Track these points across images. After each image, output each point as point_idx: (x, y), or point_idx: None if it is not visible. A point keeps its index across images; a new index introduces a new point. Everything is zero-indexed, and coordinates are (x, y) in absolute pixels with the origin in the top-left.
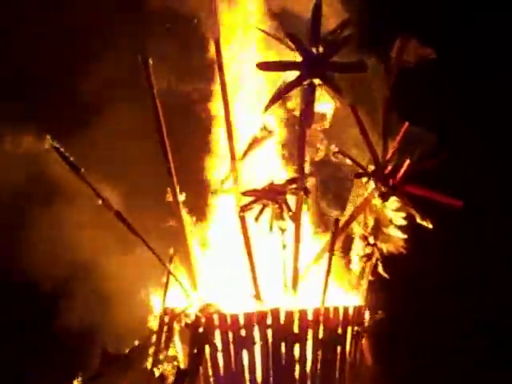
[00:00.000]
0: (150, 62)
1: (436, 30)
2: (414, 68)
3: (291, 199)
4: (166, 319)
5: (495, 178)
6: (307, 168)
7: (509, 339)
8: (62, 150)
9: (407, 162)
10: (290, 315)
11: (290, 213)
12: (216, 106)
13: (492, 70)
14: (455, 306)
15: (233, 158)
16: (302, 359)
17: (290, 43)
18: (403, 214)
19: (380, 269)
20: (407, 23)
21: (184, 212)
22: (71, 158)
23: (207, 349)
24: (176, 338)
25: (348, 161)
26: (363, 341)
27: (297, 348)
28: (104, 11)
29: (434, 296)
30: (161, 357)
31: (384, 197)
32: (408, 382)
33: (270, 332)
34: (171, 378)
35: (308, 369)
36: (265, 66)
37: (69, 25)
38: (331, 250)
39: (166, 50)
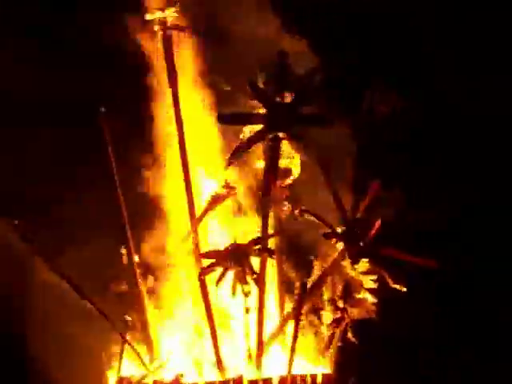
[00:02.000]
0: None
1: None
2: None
3: (255, 260)
4: None
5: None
6: (271, 227)
7: None
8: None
9: (378, 222)
10: None
11: (254, 275)
12: (174, 162)
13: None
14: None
15: (192, 216)
16: None
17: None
18: (374, 277)
19: (350, 334)
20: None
21: (139, 275)
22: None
23: None
24: None
25: (316, 220)
26: None
27: None
28: None
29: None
30: None
31: (354, 259)
32: None
33: None
34: None
35: None
36: (226, 119)
37: None
38: (298, 315)
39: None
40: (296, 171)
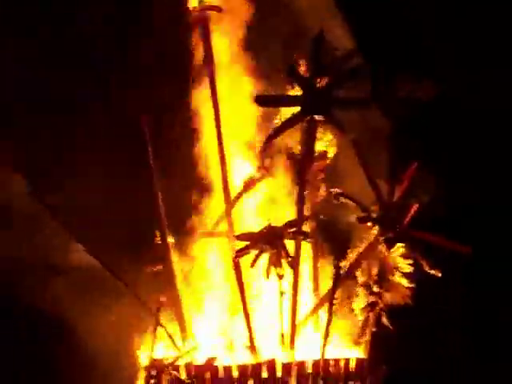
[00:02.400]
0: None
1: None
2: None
3: (290, 243)
4: (154, 372)
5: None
6: (307, 210)
7: None
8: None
9: (415, 206)
10: (287, 368)
11: (289, 258)
12: (210, 144)
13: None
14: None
15: (227, 198)
16: None
17: (290, 76)
18: (410, 261)
19: (384, 320)
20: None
21: (174, 256)
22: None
23: None
24: None
25: (351, 203)
26: None
27: None
28: None
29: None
30: None
31: (390, 243)
32: None
33: None
34: None
35: None
36: (263, 101)
37: None
38: (332, 299)
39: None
40: (332, 154)
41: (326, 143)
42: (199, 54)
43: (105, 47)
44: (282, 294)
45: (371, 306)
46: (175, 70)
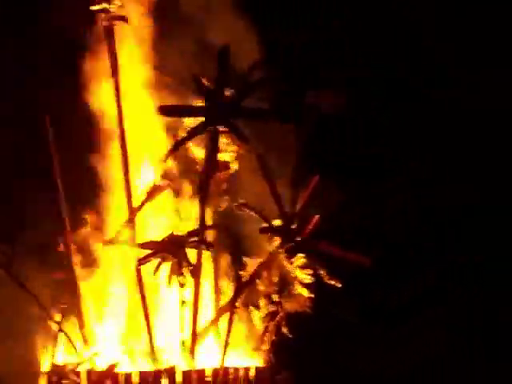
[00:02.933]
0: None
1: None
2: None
3: (192, 252)
4: (55, 378)
5: None
6: (209, 220)
7: None
8: None
9: (316, 217)
10: (187, 375)
11: (190, 267)
12: (114, 150)
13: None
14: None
15: (130, 206)
16: None
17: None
18: (310, 272)
19: (284, 328)
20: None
21: (76, 263)
22: None
23: None
24: None
25: (253, 213)
26: None
27: None
28: None
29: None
30: None
31: (290, 253)
32: None
33: None
34: None
35: None
36: (166, 111)
37: None
38: (232, 308)
39: None
40: (235, 165)
41: (229, 154)
42: (104, 57)
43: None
44: (183, 302)
45: (271, 315)
46: (77, 70)
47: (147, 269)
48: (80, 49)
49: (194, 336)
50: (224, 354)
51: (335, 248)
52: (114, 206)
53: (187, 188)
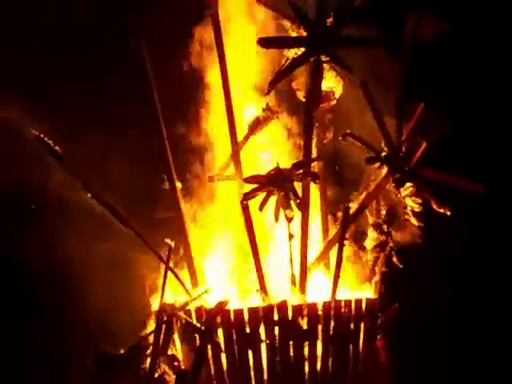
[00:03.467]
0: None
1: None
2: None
3: (298, 185)
4: (165, 317)
5: None
6: (315, 151)
7: None
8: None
9: (424, 144)
10: (298, 310)
11: (298, 200)
12: (214, 86)
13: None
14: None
15: (233, 141)
16: (312, 357)
17: (292, 16)
18: (419, 201)
19: (394, 259)
20: None
21: (182, 201)
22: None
23: (209, 348)
24: (176, 337)
25: (359, 144)
26: (378, 337)
27: (306, 345)
28: None
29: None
30: (160, 357)
31: (398, 182)
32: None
33: (277, 329)
34: (171, 380)
35: (318, 368)
36: (266, 43)
37: None
38: (342, 240)
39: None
40: (339, 95)
41: (332, 84)
42: None
43: None
44: (291, 236)
45: (381, 246)
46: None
47: (254, 204)
48: None
49: (304, 270)
50: (335, 287)
51: (445, 175)
52: (219, 141)
53: (291, 120)
